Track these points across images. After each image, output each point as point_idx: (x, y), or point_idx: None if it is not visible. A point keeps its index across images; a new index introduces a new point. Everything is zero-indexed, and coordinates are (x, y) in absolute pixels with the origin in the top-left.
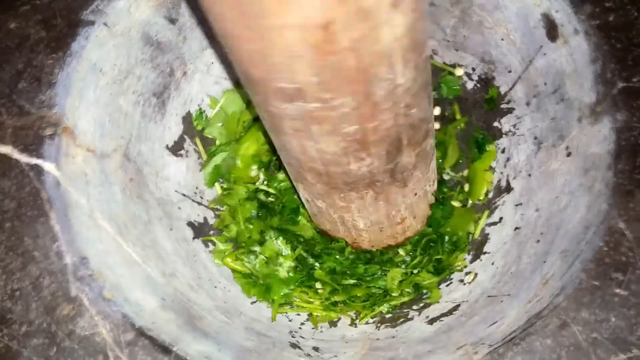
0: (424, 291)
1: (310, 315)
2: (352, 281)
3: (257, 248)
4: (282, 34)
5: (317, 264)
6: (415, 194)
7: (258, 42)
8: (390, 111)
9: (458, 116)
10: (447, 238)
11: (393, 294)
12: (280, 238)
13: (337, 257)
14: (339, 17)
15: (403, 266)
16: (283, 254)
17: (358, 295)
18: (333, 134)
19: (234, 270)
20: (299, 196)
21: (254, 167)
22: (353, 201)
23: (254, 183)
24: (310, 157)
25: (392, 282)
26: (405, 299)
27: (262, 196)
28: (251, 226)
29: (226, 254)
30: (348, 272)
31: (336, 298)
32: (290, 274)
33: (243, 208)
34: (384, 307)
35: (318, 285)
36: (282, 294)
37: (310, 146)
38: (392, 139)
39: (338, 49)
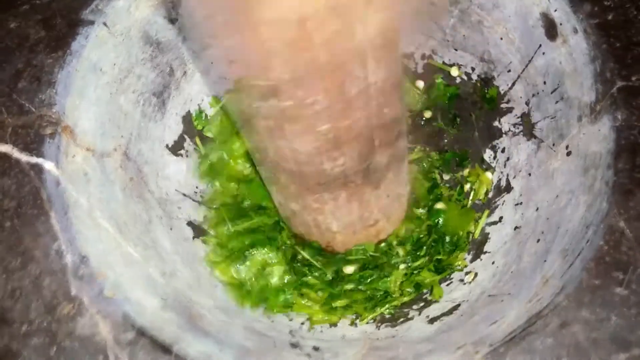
0: (424, 290)
1: (309, 318)
2: (349, 286)
3: (242, 266)
4: (260, 30)
5: (308, 271)
6: (388, 196)
7: (234, 39)
8: (363, 110)
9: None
10: (447, 238)
11: (394, 295)
12: (266, 247)
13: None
14: (314, 13)
15: (402, 266)
16: (272, 262)
17: (358, 298)
18: (306, 133)
19: (224, 283)
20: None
21: (247, 165)
22: (327, 202)
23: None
24: (283, 157)
25: (395, 284)
26: (406, 298)
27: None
28: (233, 229)
29: (217, 263)
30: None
31: (336, 303)
32: (286, 278)
33: (227, 209)
34: (385, 308)
35: (311, 290)
36: (280, 301)
37: (284, 146)
38: (365, 138)
39: (312, 45)
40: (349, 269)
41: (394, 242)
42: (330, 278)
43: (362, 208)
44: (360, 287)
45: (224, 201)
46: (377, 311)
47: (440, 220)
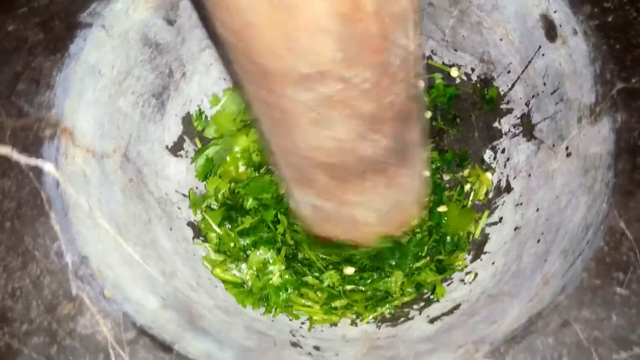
0: (425, 290)
1: (309, 318)
2: (349, 287)
3: (243, 264)
4: (309, 8)
5: (308, 271)
6: (420, 177)
7: (281, 25)
8: (404, 82)
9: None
10: (448, 239)
11: (394, 295)
12: (262, 247)
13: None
14: None
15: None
16: (270, 261)
17: (358, 298)
18: (351, 117)
19: (224, 281)
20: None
21: (242, 164)
22: (365, 193)
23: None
24: (323, 149)
25: (396, 285)
26: (407, 298)
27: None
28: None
29: (216, 263)
30: (336, 283)
31: (336, 303)
32: (286, 276)
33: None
34: (386, 308)
35: (310, 290)
36: (282, 299)
37: (327, 136)
38: (405, 113)
39: (364, 15)
40: (349, 270)
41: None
42: (328, 284)
43: (399, 192)
44: (360, 287)
45: (223, 200)
46: (377, 311)
47: (442, 222)
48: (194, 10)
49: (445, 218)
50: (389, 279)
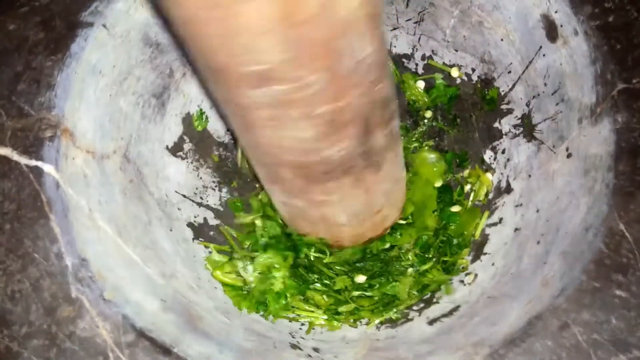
0: (429, 293)
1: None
2: (357, 293)
3: (249, 266)
4: (249, 9)
5: (316, 278)
6: (390, 180)
7: (223, 22)
8: (358, 87)
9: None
10: (455, 241)
11: (402, 299)
12: (269, 252)
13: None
14: None
15: (410, 270)
16: (276, 266)
17: (365, 304)
18: (307, 117)
19: (223, 284)
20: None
21: None
22: (332, 192)
23: None
24: (286, 148)
25: (403, 291)
26: (413, 301)
27: None
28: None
29: (219, 265)
30: (349, 287)
31: (342, 308)
32: (287, 281)
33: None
34: (393, 312)
35: (317, 293)
36: (280, 306)
37: (284, 136)
38: (362, 118)
39: (305, 17)
40: (361, 278)
41: (405, 247)
42: (339, 288)
43: (367, 194)
44: (368, 293)
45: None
46: (384, 315)
47: (451, 223)
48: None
49: (457, 218)
50: (397, 284)
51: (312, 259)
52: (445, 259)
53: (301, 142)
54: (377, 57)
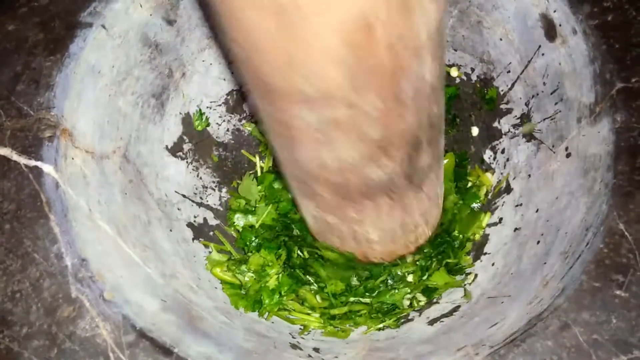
0: (434, 298)
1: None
2: (352, 299)
3: (243, 267)
4: (321, 38)
5: (311, 279)
6: (429, 199)
7: (289, 51)
8: (417, 112)
9: None
10: (457, 243)
11: (401, 307)
12: (262, 251)
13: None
14: (381, 14)
15: (410, 277)
16: (269, 264)
17: (361, 310)
18: (357, 140)
19: (222, 281)
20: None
21: None
22: (367, 211)
23: None
24: (327, 168)
25: (401, 300)
26: (415, 307)
27: None
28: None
29: (217, 262)
30: (341, 292)
31: (336, 311)
32: (281, 278)
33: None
34: (392, 322)
35: (309, 293)
36: (274, 301)
37: (329, 157)
38: (415, 140)
39: (376, 47)
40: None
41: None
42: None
43: (404, 214)
44: (364, 300)
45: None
46: (383, 322)
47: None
48: (197, 9)
49: (456, 212)
50: (396, 292)
51: (306, 257)
52: (448, 260)
53: (344, 163)
54: (437, 83)
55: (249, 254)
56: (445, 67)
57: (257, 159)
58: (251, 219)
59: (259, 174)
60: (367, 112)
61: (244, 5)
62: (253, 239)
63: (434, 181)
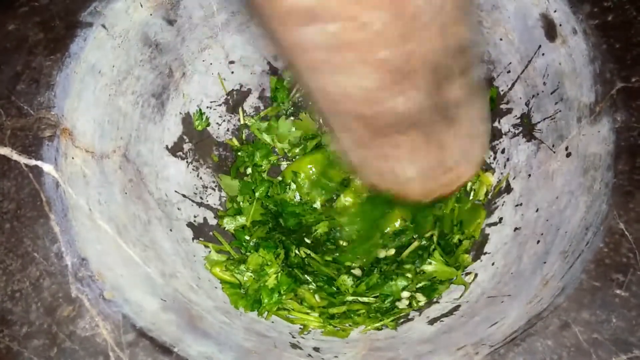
0: (434, 298)
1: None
2: (351, 298)
3: (242, 266)
4: None
5: (309, 279)
6: (469, 135)
7: None
8: (427, 30)
9: None
10: (456, 238)
11: (400, 307)
12: (261, 251)
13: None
14: None
15: (410, 265)
16: (268, 263)
17: (360, 310)
18: (365, 62)
19: (222, 281)
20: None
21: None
22: (402, 146)
23: None
24: (349, 96)
25: (398, 291)
26: (415, 307)
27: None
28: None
29: (216, 262)
30: (347, 288)
31: (333, 310)
32: (280, 277)
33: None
34: (390, 321)
35: (308, 292)
36: (274, 300)
37: (346, 82)
38: (432, 67)
39: None
40: (357, 271)
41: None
42: (333, 290)
43: (440, 151)
44: (363, 299)
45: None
46: (382, 321)
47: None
48: (197, 9)
49: (456, 206)
50: (393, 283)
51: (303, 257)
52: (447, 259)
53: (363, 90)
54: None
55: (248, 253)
56: None
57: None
58: (240, 219)
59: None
60: (365, 25)
61: None
62: (247, 238)
63: (472, 117)
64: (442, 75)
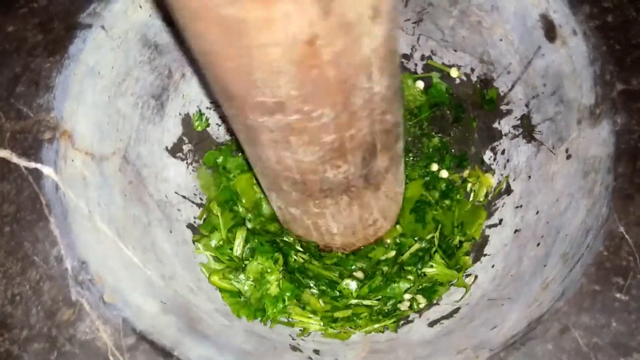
0: (435, 300)
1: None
2: (354, 301)
3: (241, 275)
4: (266, 51)
5: (311, 283)
6: (387, 197)
7: (239, 59)
8: (367, 119)
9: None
10: (457, 239)
11: (402, 308)
12: (259, 258)
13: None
14: (322, 32)
15: (411, 267)
16: (268, 270)
17: (363, 313)
18: (311, 144)
19: (221, 290)
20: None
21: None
22: (327, 207)
23: None
24: (286, 167)
25: (401, 293)
26: (415, 309)
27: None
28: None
29: (214, 270)
30: (348, 292)
31: (339, 314)
32: (282, 284)
33: (226, 214)
34: (392, 322)
35: (312, 297)
36: (278, 309)
37: (288, 156)
38: (368, 145)
39: (320, 62)
40: (359, 274)
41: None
42: (336, 294)
43: (363, 210)
44: (366, 302)
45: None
46: (382, 323)
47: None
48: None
49: (456, 204)
50: (396, 285)
51: (302, 262)
52: (447, 261)
53: (303, 163)
54: (392, 89)
55: (246, 262)
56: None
57: None
58: (215, 237)
59: None
60: (319, 117)
61: (192, 17)
62: (232, 250)
63: (393, 180)
64: (370, 152)
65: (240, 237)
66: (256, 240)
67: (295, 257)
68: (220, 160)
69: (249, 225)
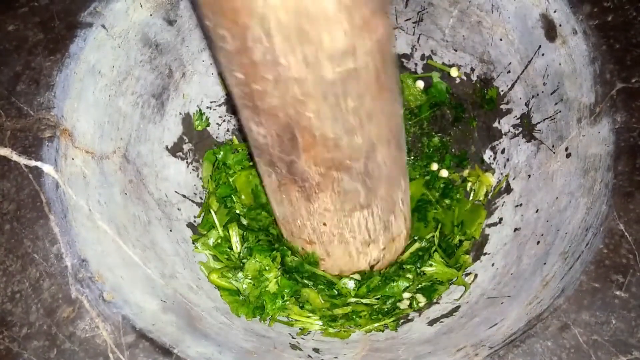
0: (434, 299)
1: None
2: (353, 300)
3: (240, 273)
4: None
5: (309, 283)
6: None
7: None
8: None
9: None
10: (457, 239)
11: (402, 307)
12: (257, 256)
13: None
14: None
15: (410, 265)
16: (266, 268)
17: (362, 312)
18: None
19: (220, 288)
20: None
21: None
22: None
23: None
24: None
25: (400, 292)
26: (415, 308)
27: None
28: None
29: (213, 269)
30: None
31: (337, 311)
32: (281, 281)
33: (221, 211)
34: (391, 320)
35: (312, 292)
36: (277, 306)
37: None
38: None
39: None
40: (356, 275)
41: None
42: (334, 293)
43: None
44: (365, 301)
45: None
46: (382, 322)
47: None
48: (194, 10)
49: (456, 201)
50: (395, 284)
51: (300, 261)
52: (447, 260)
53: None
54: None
55: (244, 260)
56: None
57: None
58: (214, 235)
59: None
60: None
61: None
62: (230, 249)
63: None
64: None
65: (234, 233)
66: (254, 237)
67: (292, 257)
68: (220, 156)
69: (244, 222)
